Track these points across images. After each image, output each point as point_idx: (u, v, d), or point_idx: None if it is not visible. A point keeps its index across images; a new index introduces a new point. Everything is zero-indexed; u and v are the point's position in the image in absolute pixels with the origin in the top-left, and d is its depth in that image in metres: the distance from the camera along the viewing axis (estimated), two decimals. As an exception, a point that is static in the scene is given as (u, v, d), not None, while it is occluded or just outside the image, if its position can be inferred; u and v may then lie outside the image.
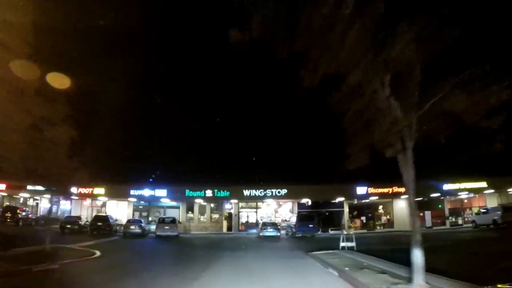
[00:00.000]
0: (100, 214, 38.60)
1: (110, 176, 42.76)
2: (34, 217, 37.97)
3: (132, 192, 40.57)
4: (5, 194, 46.65)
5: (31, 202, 47.78)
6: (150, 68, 26.30)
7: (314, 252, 18.66)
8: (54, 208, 44.74)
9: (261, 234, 32.56)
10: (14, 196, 46.59)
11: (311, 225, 33.61)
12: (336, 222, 43.06)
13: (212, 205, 44.21)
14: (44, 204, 46.71)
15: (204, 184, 40.42)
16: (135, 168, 44.67)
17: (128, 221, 33.87)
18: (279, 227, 34.66)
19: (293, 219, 36.96)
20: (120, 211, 43.63)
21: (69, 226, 31.89)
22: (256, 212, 44.37)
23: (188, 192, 40.44)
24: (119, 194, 41.68)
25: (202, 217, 44.34)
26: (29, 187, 42.46)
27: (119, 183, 41.29)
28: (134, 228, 31.70)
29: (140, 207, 44.69)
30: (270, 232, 32.29)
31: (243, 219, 44.32)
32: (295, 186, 40.15)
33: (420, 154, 10.07)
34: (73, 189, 40.30)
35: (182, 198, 41.97)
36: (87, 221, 35.59)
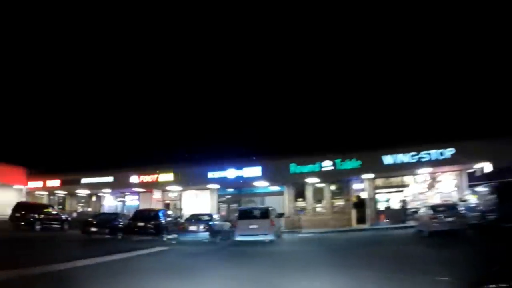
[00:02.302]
0: (145, 208, 28.61)
1: (180, 155, 32.56)
2: (65, 218, 29.08)
3: (210, 174, 29.00)
4: (64, 193, 40.88)
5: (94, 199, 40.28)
6: None
7: None
8: (120, 205, 37.66)
9: (431, 229, 19.01)
10: (78, 193, 40.02)
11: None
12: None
13: (332, 187, 30.38)
14: (108, 201, 39.23)
15: (318, 153, 27.38)
16: (214, 140, 33.69)
17: (188, 218, 22.71)
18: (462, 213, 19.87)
19: (469, 198, 21.76)
20: (201, 204, 33.33)
21: (94, 229, 22.28)
22: (402, 192, 29.63)
23: (294, 168, 28.46)
24: (194, 180, 31.48)
25: (318, 205, 30.74)
26: (83, 180, 36.79)
27: (192, 164, 30.19)
28: (196, 230, 20.33)
29: (228, 196, 33.80)
30: (448, 223, 18.58)
31: (380, 205, 29.78)
32: (468, 142, 25.55)
33: None
34: (133, 178, 32.91)
35: (286, 178, 29.81)
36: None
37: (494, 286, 4.42)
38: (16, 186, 40.14)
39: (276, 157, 28.97)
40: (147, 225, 21.41)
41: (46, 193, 40.80)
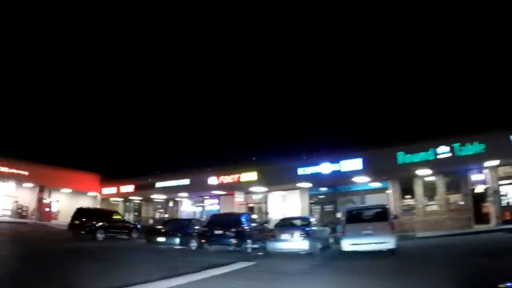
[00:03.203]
0: (223, 213, 25.91)
1: (264, 150, 30.03)
2: (133, 226, 26.81)
3: (301, 171, 26.18)
4: (139, 198, 40.08)
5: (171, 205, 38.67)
6: None
7: None
8: (199, 210, 35.89)
9: None
10: (153, 199, 38.74)
11: None
12: None
13: (445, 179, 26.08)
14: (186, 206, 37.38)
15: (432, 137, 24.00)
16: (303, 131, 30.88)
17: (279, 224, 18.92)
18: None
19: None
20: (289, 206, 30.06)
21: (162, 238, 19.80)
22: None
23: (402, 157, 24.41)
24: (282, 178, 28.06)
25: (428, 203, 26.60)
26: (158, 184, 35.48)
27: (278, 161, 28.02)
28: (289, 239, 16.47)
29: (321, 196, 30.10)
30: None
31: (502, 200, 25.20)
32: None
33: None
34: (212, 179, 31.01)
35: (392, 171, 25.70)
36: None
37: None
38: (90, 193, 39.82)
39: (379, 145, 25.05)
40: (227, 233, 18.17)
41: (121, 199, 40.12)
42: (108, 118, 62.40)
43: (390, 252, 14.57)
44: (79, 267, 11.27)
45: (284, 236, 16.54)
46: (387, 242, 14.57)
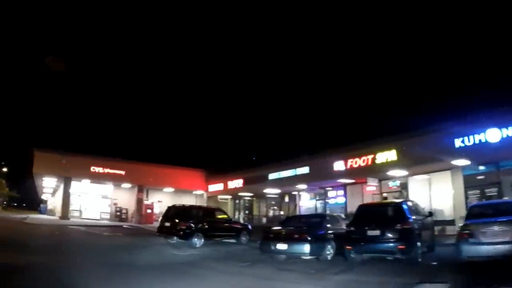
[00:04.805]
0: (375, 202, 20.71)
1: (405, 121, 25.77)
2: (243, 227, 22.52)
3: (458, 142, 20.57)
4: (250, 194, 37.25)
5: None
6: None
7: None
8: (320, 204, 31.41)
9: None
10: (266, 194, 35.20)
11: None
12: None
13: None
14: (304, 201, 33.07)
15: None
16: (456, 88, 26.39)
17: (474, 211, 12.19)
18: None
19: None
20: (437, 193, 24.15)
21: (283, 246, 13.90)
22: None
23: None
24: (431, 156, 21.71)
25: None
26: (271, 175, 31.98)
27: (427, 132, 22.12)
28: (502, 239, 9.97)
29: (479, 177, 23.07)
30: None
31: None
32: None
33: None
34: (338, 164, 26.31)
35: None
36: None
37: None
38: (196, 192, 37.98)
39: None
40: (387, 234, 12.40)
41: (229, 196, 37.56)
42: (210, 107, 61.30)
43: None
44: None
45: (491, 234, 10.31)
46: None
